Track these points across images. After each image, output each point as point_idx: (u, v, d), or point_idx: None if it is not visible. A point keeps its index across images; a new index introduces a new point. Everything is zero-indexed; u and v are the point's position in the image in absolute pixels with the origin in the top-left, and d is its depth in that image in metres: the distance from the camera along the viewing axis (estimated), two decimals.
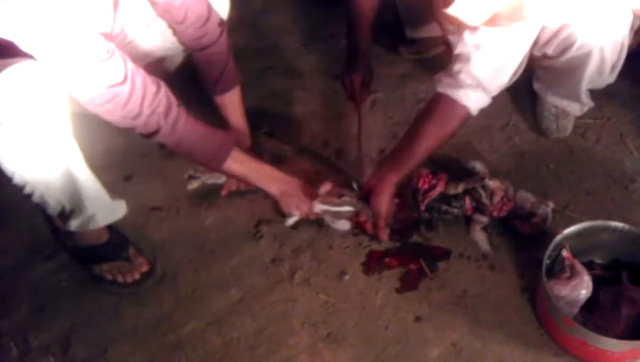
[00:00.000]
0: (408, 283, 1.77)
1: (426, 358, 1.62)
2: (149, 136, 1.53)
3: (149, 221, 1.95)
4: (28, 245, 1.89)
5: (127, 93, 1.43)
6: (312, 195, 1.81)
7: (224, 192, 1.93)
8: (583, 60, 1.84)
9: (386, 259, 1.82)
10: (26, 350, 1.67)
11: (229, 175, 1.79)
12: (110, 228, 1.81)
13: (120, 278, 1.78)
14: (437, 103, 1.73)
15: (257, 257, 1.85)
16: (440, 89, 1.72)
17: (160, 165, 2.09)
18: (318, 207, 1.79)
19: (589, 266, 1.69)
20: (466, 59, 1.66)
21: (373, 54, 2.45)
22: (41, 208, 1.68)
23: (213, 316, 1.72)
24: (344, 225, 1.85)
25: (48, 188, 1.57)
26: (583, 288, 1.59)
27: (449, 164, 2.03)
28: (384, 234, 1.83)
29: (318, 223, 1.89)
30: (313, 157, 2.09)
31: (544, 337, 1.63)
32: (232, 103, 1.92)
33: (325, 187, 1.83)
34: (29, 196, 1.59)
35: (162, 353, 1.65)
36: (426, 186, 1.90)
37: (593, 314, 1.62)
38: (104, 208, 1.71)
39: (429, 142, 1.73)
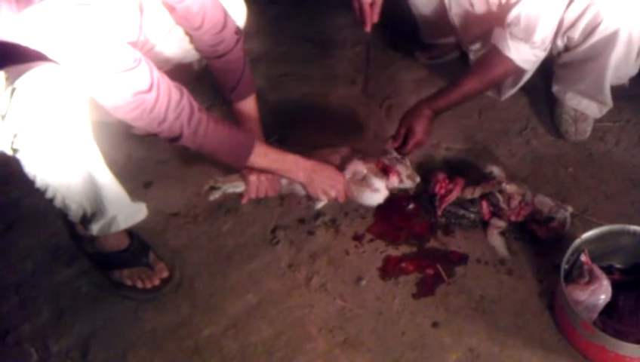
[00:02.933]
0: (425, 289, 1.76)
1: None
2: (173, 140, 1.56)
3: (168, 227, 1.96)
4: (48, 251, 1.92)
5: (153, 101, 1.46)
6: (339, 178, 1.84)
7: (244, 200, 1.94)
8: (608, 44, 1.82)
9: (403, 264, 1.82)
10: (45, 355, 1.69)
11: (255, 169, 1.80)
12: (131, 234, 1.84)
13: (140, 284, 1.80)
14: (487, 53, 1.97)
15: (274, 262, 1.85)
16: (492, 41, 1.93)
17: (179, 172, 2.11)
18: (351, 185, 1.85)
19: (608, 271, 1.68)
20: (515, 10, 1.82)
21: (389, 59, 2.46)
22: (62, 214, 1.71)
23: (231, 321, 1.72)
24: (374, 199, 1.87)
25: (70, 191, 1.59)
26: (602, 293, 1.57)
27: (466, 169, 2.03)
28: (407, 151, 1.92)
29: (333, 227, 1.91)
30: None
31: (563, 343, 1.62)
32: (247, 111, 1.93)
33: (352, 166, 1.87)
34: (51, 201, 1.61)
35: (180, 357, 1.66)
36: (443, 191, 1.90)
37: (612, 319, 1.60)
38: (125, 211, 1.72)
39: (471, 83, 1.93)
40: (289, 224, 1.94)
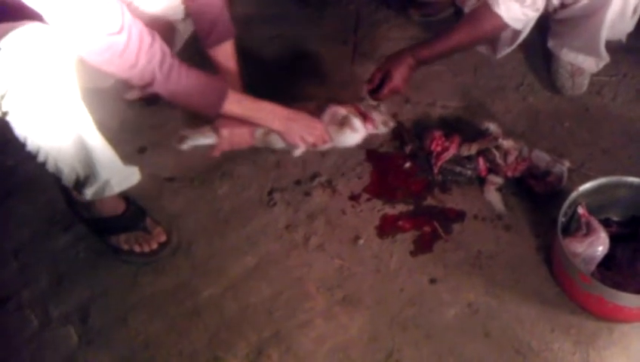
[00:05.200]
0: (423, 246, 1.77)
1: (441, 319, 1.62)
2: (145, 86, 1.54)
3: (164, 192, 1.96)
4: (46, 218, 1.91)
5: (124, 43, 1.43)
6: (316, 124, 1.81)
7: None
8: (604, 1, 1.80)
9: (400, 223, 1.82)
10: (46, 321, 1.70)
11: (231, 117, 1.75)
12: (127, 199, 1.83)
13: (137, 248, 1.80)
14: (477, 7, 1.88)
15: (271, 224, 1.85)
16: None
17: (173, 136, 2.09)
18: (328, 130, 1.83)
19: (606, 223, 1.68)
20: None
21: (383, 17, 2.43)
22: (57, 179, 1.70)
23: (230, 282, 1.73)
24: (353, 139, 1.85)
25: (60, 154, 1.58)
26: (599, 245, 1.58)
27: (462, 126, 2.02)
28: (382, 95, 1.93)
29: (329, 187, 1.91)
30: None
31: (561, 295, 1.63)
32: (225, 56, 1.85)
33: (331, 110, 1.85)
34: (44, 164, 1.60)
35: (180, 319, 1.67)
36: (439, 148, 1.89)
37: (611, 271, 1.60)
38: (118, 174, 1.71)
39: (458, 36, 1.88)
40: (285, 186, 1.94)
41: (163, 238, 1.82)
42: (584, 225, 1.61)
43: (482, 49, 2.22)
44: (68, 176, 1.64)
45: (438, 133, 1.92)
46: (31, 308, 1.72)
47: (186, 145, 1.89)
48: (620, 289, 1.48)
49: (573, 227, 1.65)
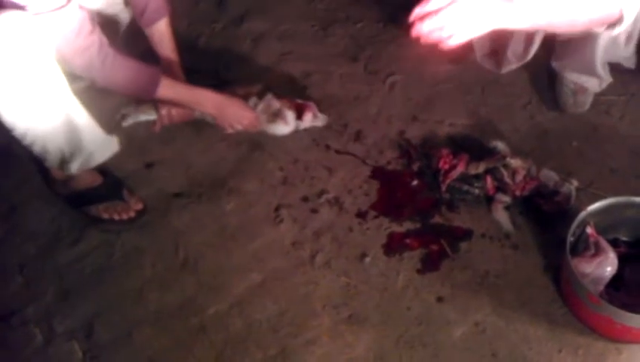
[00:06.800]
0: (430, 264, 1.76)
1: (449, 339, 1.61)
2: (83, 70, 1.65)
3: (171, 207, 1.96)
4: (52, 233, 1.92)
5: (68, 21, 1.54)
6: (248, 112, 1.99)
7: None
8: None
9: (407, 241, 1.81)
10: (50, 336, 1.70)
11: (166, 102, 1.90)
12: (103, 171, 1.94)
13: (116, 216, 1.89)
14: None
15: (278, 241, 1.85)
16: None
17: (181, 152, 2.10)
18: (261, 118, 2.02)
19: (614, 243, 1.66)
20: None
21: (392, 35, 2.44)
22: (35, 160, 1.81)
23: (235, 299, 1.72)
24: (283, 130, 2.04)
25: (49, 135, 1.66)
26: (608, 265, 1.57)
27: (470, 145, 2.01)
28: None
29: (336, 204, 1.91)
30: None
31: (569, 316, 1.62)
32: (160, 35, 1.97)
33: (266, 100, 2.01)
34: (29, 147, 1.68)
35: (186, 336, 1.67)
36: (446, 166, 1.89)
37: (619, 291, 1.59)
38: (100, 145, 1.80)
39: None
40: (292, 202, 1.93)
41: (140, 206, 1.92)
42: (593, 245, 1.60)
43: (486, 63, 2.22)
44: (54, 157, 1.73)
45: (445, 151, 1.92)
46: (36, 323, 1.72)
47: (127, 123, 2.06)
48: (629, 310, 1.47)
49: (582, 247, 1.64)
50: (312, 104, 2.09)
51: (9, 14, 1.46)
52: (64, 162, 1.76)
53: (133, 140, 2.11)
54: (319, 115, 2.09)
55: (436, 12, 1.29)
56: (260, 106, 2.03)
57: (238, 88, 2.08)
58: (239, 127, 1.98)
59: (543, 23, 1.40)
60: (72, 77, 1.86)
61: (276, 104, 2.03)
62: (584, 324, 1.58)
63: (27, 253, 1.88)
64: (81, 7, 1.57)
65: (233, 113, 1.97)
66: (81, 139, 1.72)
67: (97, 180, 1.92)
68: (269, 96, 2.04)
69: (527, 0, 1.34)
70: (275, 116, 2.02)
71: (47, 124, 1.63)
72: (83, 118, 1.70)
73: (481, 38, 2.19)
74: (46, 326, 1.71)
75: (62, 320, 1.72)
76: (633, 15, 1.47)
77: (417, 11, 1.33)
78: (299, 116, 2.06)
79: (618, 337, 1.54)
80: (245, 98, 2.03)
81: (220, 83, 2.16)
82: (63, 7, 1.51)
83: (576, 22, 1.42)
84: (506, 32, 2.07)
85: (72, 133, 1.69)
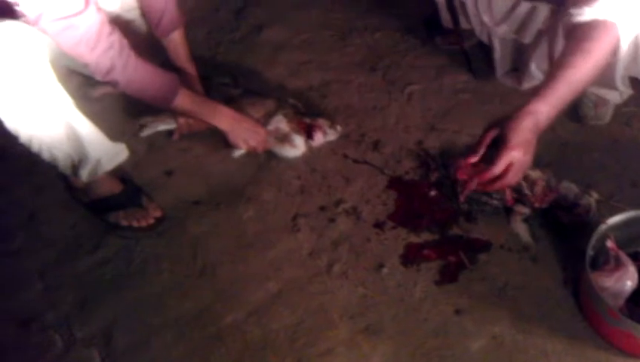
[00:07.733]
0: (448, 276, 1.75)
1: (466, 351, 1.60)
2: (106, 73, 1.66)
3: (190, 215, 1.97)
4: (71, 239, 1.94)
5: (86, 24, 1.56)
6: (260, 130, 2.02)
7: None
8: None
9: (425, 251, 1.80)
10: (70, 342, 1.71)
11: (181, 112, 1.93)
12: (124, 179, 1.97)
13: (135, 223, 1.91)
14: (584, 32, 1.50)
15: (295, 250, 1.85)
16: (575, 19, 1.51)
17: (200, 161, 2.12)
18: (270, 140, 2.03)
19: (635, 257, 1.64)
20: None
21: (410, 45, 2.44)
22: (54, 168, 1.81)
23: (253, 308, 1.73)
24: (293, 153, 2.05)
25: (52, 141, 1.69)
26: (628, 279, 1.55)
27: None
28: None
29: (354, 214, 1.91)
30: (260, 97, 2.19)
31: (588, 330, 1.60)
32: (175, 45, 2.03)
33: (275, 122, 2.03)
34: (39, 155, 1.71)
35: (203, 344, 1.67)
36: (465, 177, 1.88)
37: (639, 306, 1.57)
38: (107, 153, 1.83)
39: (576, 71, 1.49)
40: (310, 211, 1.94)
41: (159, 213, 1.93)
42: (612, 258, 1.59)
43: (508, 81, 2.21)
44: (64, 162, 1.77)
45: (464, 162, 1.91)
46: (55, 329, 1.74)
47: (145, 133, 2.08)
48: None
49: (601, 260, 1.62)
50: (321, 121, 2.09)
51: (6, 24, 1.50)
52: (75, 169, 1.80)
53: (152, 148, 2.13)
54: (329, 130, 2.09)
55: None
56: (270, 126, 2.05)
57: (250, 106, 2.09)
58: (251, 144, 2.01)
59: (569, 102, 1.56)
60: (90, 84, 1.92)
61: (285, 128, 2.05)
62: (604, 339, 1.57)
63: (47, 259, 1.89)
64: (99, 9, 1.60)
65: (245, 129, 2.00)
66: (84, 146, 1.75)
67: (117, 188, 1.94)
68: (279, 117, 2.06)
69: (548, 113, 1.54)
70: (283, 141, 2.04)
71: (48, 133, 1.66)
72: (85, 127, 1.73)
73: (503, 58, 2.19)
74: (66, 332, 1.73)
75: (81, 326, 1.74)
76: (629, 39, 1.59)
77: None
78: (309, 135, 2.06)
79: (639, 353, 1.52)
80: (257, 115, 2.06)
81: (236, 93, 2.18)
82: (82, 12, 1.54)
83: (595, 78, 1.57)
84: (529, 50, 2.07)
85: (76, 141, 1.72)
